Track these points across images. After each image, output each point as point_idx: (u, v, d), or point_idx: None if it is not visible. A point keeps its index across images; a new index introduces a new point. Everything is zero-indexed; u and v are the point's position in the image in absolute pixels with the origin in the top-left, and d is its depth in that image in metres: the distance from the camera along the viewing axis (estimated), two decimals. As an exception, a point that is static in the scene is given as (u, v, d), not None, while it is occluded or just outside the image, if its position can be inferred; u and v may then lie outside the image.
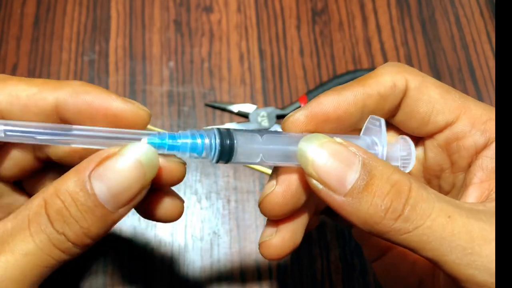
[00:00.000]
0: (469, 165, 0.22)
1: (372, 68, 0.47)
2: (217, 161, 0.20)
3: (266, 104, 0.45)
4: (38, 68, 0.46)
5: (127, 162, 0.18)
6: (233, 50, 0.47)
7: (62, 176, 0.18)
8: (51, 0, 0.49)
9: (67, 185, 0.17)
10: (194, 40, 0.48)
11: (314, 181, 0.19)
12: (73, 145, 0.19)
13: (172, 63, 0.47)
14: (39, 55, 0.47)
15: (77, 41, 0.47)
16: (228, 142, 0.19)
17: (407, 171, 0.24)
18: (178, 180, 0.21)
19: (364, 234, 0.27)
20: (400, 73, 0.23)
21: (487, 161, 0.21)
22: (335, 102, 0.22)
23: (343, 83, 0.45)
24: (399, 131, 0.25)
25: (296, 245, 0.24)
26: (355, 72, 0.46)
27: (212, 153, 0.19)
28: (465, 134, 0.22)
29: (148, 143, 0.19)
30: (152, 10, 0.49)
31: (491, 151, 0.22)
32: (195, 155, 0.20)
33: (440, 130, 0.23)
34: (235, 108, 0.44)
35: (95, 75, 0.46)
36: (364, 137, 0.23)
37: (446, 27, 0.49)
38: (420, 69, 0.47)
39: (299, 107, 0.44)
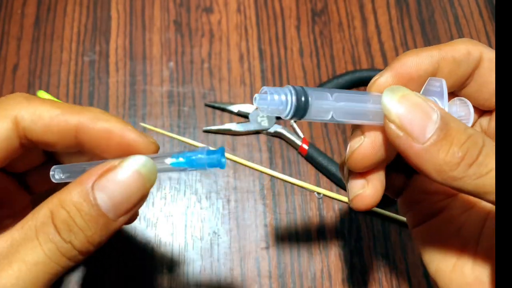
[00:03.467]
0: None
1: (371, 68, 0.47)
2: (292, 117, 0.21)
3: (266, 104, 0.45)
4: (38, 68, 0.46)
5: (127, 174, 0.19)
6: (233, 51, 0.48)
7: (66, 187, 0.19)
8: (51, 0, 0.49)
9: (71, 195, 0.18)
10: (194, 40, 0.48)
11: (394, 128, 0.20)
12: None
13: (172, 63, 0.47)
14: (39, 55, 0.47)
15: (77, 41, 0.47)
16: (303, 98, 0.20)
17: None
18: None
19: (415, 198, 0.28)
20: (476, 45, 0.24)
21: None
22: (415, 62, 0.23)
23: (343, 83, 0.46)
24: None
25: (382, 194, 0.25)
26: (354, 72, 0.46)
27: (288, 108, 0.20)
28: None
29: None
30: (152, 10, 0.49)
31: None
32: (278, 109, 0.20)
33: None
34: (235, 108, 0.44)
35: (96, 75, 0.46)
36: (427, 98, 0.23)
37: (445, 28, 0.50)
38: (420, 69, 0.47)
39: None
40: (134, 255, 0.39)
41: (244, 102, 0.45)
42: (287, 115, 0.21)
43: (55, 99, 0.44)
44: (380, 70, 0.48)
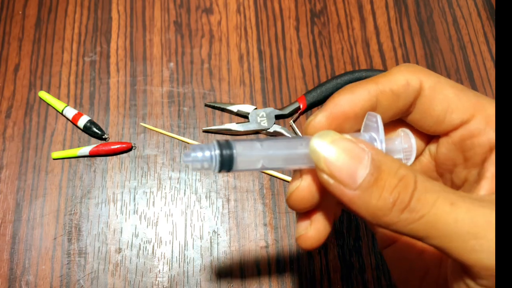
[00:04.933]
0: (483, 161, 0.23)
1: (370, 69, 0.47)
2: (219, 171, 0.21)
3: (265, 104, 0.46)
4: (39, 69, 0.46)
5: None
6: (233, 51, 0.48)
7: None
8: (52, 1, 0.50)
9: None
10: (194, 41, 0.48)
11: (326, 176, 0.20)
12: None
13: (172, 64, 0.47)
14: (40, 56, 0.47)
15: (78, 42, 0.48)
16: (227, 152, 0.21)
17: (410, 163, 0.24)
18: None
19: None
20: (415, 73, 0.24)
21: None
22: (350, 100, 0.23)
23: (342, 83, 0.46)
24: (413, 128, 0.26)
25: (328, 232, 0.25)
26: (353, 73, 0.46)
27: (214, 163, 0.21)
28: (479, 132, 0.22)
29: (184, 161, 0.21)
30: (152, 11, 0.50)
31: None
32: (203, 165, 0.21)
33: (455, 128, 0.23)
34: (234, 108, 0.45)
35: (96, 75, 0.46)
36: (364, 134, 0.23)
37: (443, 28, 0.50)
38: (418, 69, 0.48)
39: (298, 107, 0.45)
40: (135, 254, 0.40)
41: (243, 102, 0.45)
42: (215, 170, 0.21)
43: (57, 100, 0.45)
44: (379, 71, 0.48)
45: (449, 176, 0.25)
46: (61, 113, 0.45)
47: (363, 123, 0.24)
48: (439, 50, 0.49)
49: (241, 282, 0.39)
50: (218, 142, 0.21)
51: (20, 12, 0.49)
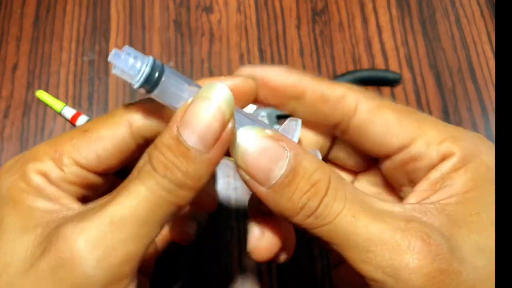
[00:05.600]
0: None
1: (372, 68, 0.47)
2: (141, 86, 0.20)
3: (266, 104, 0.45)
4: (38, 68, 0.46)
5: (202, 103, 0.20)
6: (233, 50, 0.48)
7: (161, 133, 0.20)
8: (51, 0, 0.49)
9: (162, 138, 0.20)
10: (194, 40, 0.48)
11: (243, 172, 0.21)
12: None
13: (172, 63, 0.47)
14: (39, 55, 0.47)
15: (77, 41, 0.47)
16: (156, 74, 0.20)
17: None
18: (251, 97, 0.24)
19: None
20: (355, 93, 0.23)
21: (435, 173, 0.22)
22: (283, 78, 0.23)
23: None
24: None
25: (281, 243, 0.25)
26: (355, 72, 0.46)
27: (139, 76, 0.20)
28: (420, 156, 0.22)
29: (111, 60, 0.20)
30: (152, 10, 0.49)
31: (443, 166, 0.22)
32: (128, 73, 0.20)
33: (396, 152, 0.23)
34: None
35: (95, 75, 0.46)
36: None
37: (446, 27, 0.49)
38: (420, 69, 0.47)
39: (299, 107, 0.45)
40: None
41: (244, 102, 0.45)
42: (136, 83, 0.20)
43: (56, 99, 0.44)
44: (381, 70, 0.48)
45: (399, 193, 0.25)
46: (60, 113, 0.44)
47: (283, 125, 0.24)
48: (442, 49, 0.48)
49: (242, 283, 0.39)
50: (155, 61, 0.20)
51: (19, 11, 0.49)
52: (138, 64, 0.20)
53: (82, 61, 0.47)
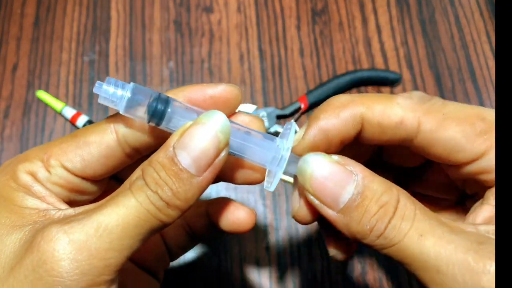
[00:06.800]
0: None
1: (372, 68, 0.47)
2: (126, 112, 0.22)
3: (266, 104, 0.45)
4: (38, 68, 0.46)
5: (201, 129, 0.20)
6: (233, 50, 0.48)
7: (157, 151, 0.21)
8: (51, 0, 0.49)
9: (158, 156, 0.21)
10: (194, 40, 0.48)
11: (311, 196, 0.21)
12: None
13: (172, 63, 0.47)
14: (39, 55, 0.47)
15: (77, 41, 0.47)
16: (162, 107, 0.22)
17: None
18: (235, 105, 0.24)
19: None
20: (415, 111, 0.22)
21: None
22: (335, 128, 0.22)
23: (343, 83, 0.45)
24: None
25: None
26: (355, 72, 0.46)
27: (123, 103, 0.21)
28: (491, 169, 0.22)
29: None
30: (152, 10, 0.49)
31: None
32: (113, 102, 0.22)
33: (464, 165, 0.22)
34: (235, 108, 0.44)
35: (95, 75, 0.46)
36: (276, 139, 0.23)
37: (446, 27, 0.49)
38: (420, 69, 0.47)
39: (299, 107, 0.45)
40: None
41: (244, 102, 0.45)
42: (122, 109, 0.21)
43: (56, 99, 0.44)
44: (381, 70, 0.48)
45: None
46: (60, 113, 0.44)
47: (283, 130, 0.24)
48: (441, 49, 0.48)
49: (242, 283, 0.39)
50: (136, 86, 0.21)
51: (19, 11, 0.49)
52: (119, 92, 0.21)
53: (82, 61, 0.47)
